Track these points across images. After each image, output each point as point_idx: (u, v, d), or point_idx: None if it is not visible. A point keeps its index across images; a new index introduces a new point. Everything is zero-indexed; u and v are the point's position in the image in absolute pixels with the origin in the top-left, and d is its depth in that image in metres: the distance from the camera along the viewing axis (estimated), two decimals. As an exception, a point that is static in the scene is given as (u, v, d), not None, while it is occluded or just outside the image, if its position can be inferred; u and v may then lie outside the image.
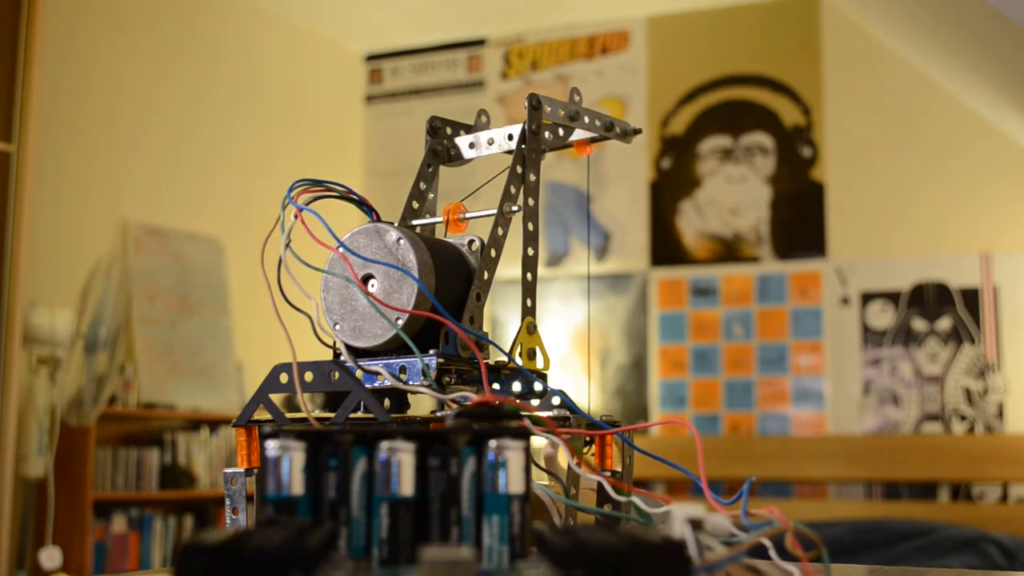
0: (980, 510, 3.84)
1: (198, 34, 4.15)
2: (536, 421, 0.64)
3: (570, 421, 0.81)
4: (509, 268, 0.89)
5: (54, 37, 3.42)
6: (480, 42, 4.82)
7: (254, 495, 0.75)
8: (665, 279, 4.40)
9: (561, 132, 0.90)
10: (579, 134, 0.92)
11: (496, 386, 0.84)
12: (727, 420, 4.24)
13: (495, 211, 0.83)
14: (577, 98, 0.90)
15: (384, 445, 0.53)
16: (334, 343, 0.81)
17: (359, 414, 0.74)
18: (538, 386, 0.83)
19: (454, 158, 0.94)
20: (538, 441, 0.67)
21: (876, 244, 4.13)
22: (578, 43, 4.68)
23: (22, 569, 3.20)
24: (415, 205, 0.91)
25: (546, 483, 0.76)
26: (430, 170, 0.93)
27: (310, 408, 0.75)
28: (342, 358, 0.79)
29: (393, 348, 0.78)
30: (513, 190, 0.84)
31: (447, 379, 0.79)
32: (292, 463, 0.52)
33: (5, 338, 2.92)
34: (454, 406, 0.71)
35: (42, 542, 3.24)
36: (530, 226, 0.84)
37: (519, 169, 0.85)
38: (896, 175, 4.13)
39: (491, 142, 0.92)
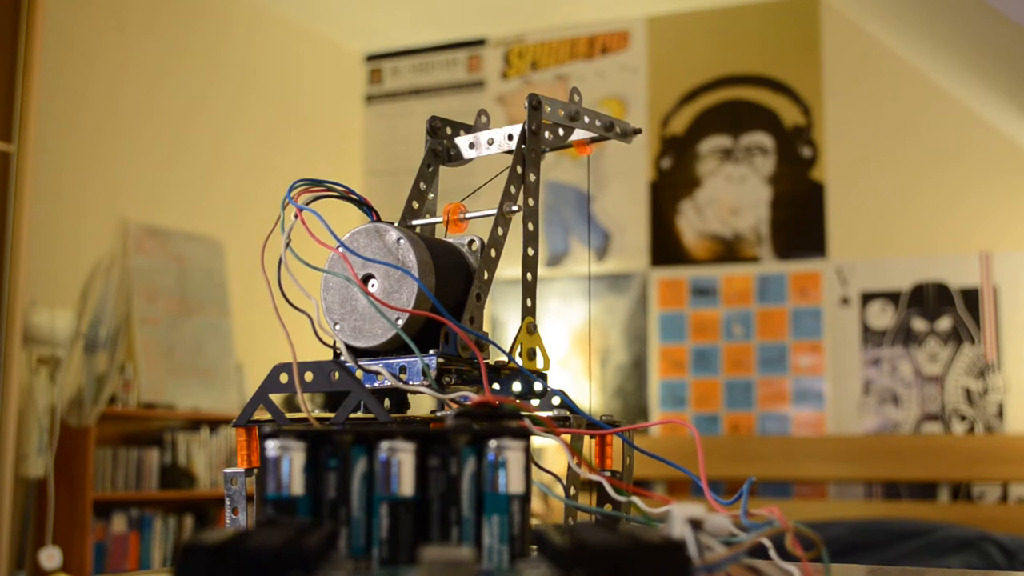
0: (980, 510, 3.84)
1: (198, 34, 4.15)
2: (536, 421, 0.64)
3: (570, 421, 0.81)
4: (509, 268, 0.89)
5: (54, 37, 3.42)
6: (480, 42, 4.82)
7: (254, 495, 0.75)
8: (665, 279, 4.40)
9: (561, 132, 0.90)
10: (579, 134, 0.92)
11: (496, 386, 0.84)
12: (727, 420, 4.24)
13: (495, 211, 0.83)
14: (577, 98, 0.90)
15: (384, 445, 0.53)
16: (334, 343, 0.81)
17: (359, 414, 0.74)
18: (538, 386, 0.83)
19: (454, 158, 0.94)
20: (539, 440, 0.67)
21: (876, 244, 4.13)
22: (578, 43, 4.68)
23: (22, 569, 3.20)
24: (415, 205, 0.91)
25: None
26: (430, 170, 0.93)
27: (310, 408, 0.75)
28: (342, 358, 0.79)
29: (393, 348, 0.78)
30: (513, 190, 0.84)
31: (447, 379, 0.79)
32: (292, 463, 0.52)
33: (5, 338, 2.92)
34: (454, 406, 0.71)
35: (42, 542, 3.24)
36: (530, 226, 0.84)
37: (519, 169, 0.85)
38: (896, 175, 4.13)
39: (491, 142, 0.92)
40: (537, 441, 0.67)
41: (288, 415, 0.76)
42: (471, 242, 0.85)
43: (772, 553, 0.64)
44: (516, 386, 0.84)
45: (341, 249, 0.80)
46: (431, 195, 0.92)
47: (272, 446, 0.52)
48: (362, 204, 0.84)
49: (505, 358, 0.81)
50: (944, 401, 3.97)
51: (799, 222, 4.25)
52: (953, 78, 3.98)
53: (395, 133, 4.92)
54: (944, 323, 3.99)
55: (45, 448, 3.22)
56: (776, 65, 4.35)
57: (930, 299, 4.02)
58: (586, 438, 0.82)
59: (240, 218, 4.11)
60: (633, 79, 4.57)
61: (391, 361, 0.78)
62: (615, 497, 0.71)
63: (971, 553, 3.23)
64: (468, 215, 0.88)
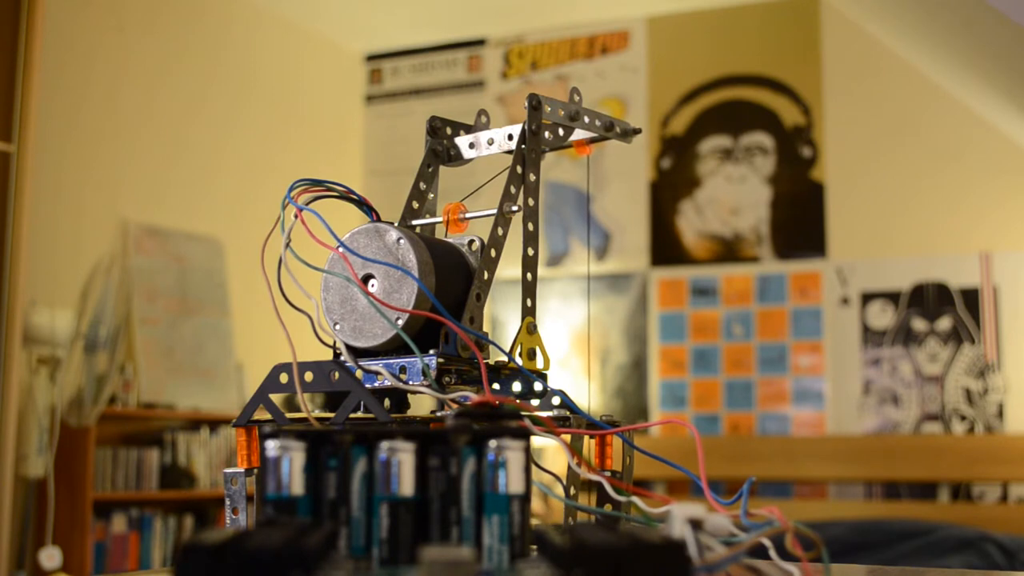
0: (980, 510, 3.84)
1: (198, 34, 4.15)
2: (536, 421, 0.64)
3: (570, 421, 0.81)
4: (509, 268, 0.89)
5: (54, 37, 3.42)
6: (480, 42, 4.82)
7: (254, 495, 0.75)
8: (665, 279, 4.40)
9: (561, 132, 0.90)
10: (579, 134, 0.92)
11: (496, 386, 0.84)
12: (727, 420, 4.24)
13: (495, 211, 0.83)
14: (577, 98, 0.90)
15: (384, 445, 0.53)
16: (334, 343, 0.81)
17: (359, 414, 0.74)
18: (538, 386, 0.83)
19: (454, 158, 0.94)
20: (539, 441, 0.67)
21: (876, 244, 4.13)
22: (578, 43, 4.68)
23: (22, 569, 3.20)
24: (415, 205, 0.91)
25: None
26: (430, 170, 0.93)
27: (310, 408, 0.75)
28: (342, 358, 0.79)
29: (393, 348, 0.78)
30: (513, 190, 0.84)
31: (447, 379, 0.79)
32: (292, 463, 0.52)
33: (5, 338, 2.92)
34: (454, 406, 0.71)
35: (42, 542, 3.24)
36: (530, 226, 0.84)
37: (519, 169, 0.85)
38: (896, 175, 4.13)
39: (491, 142, 0.92)
40: (537, 441, 0.67)
41: (288, 415, 0.76)
42: (471, 242, 0.85)
43: (772, 553, 0.64)
44: (516, 386, 0.84)
45: (341, 249, 0.80)
46: (431, 195, 0.92)
47: (272, 446, 0.52)
48: (362, 204, 0.84)
49: (505, 358, 0.81)
50: (944, 401, 3.97)
51: (799, 222, 4.25)
52: (953, 78, 3.98)
53: (395, 133, 4.92)
54: (944, 323, 3.99)
55: (45, 448, 3.22)
56: (776, 65, 4.35)
57: (930, 299, 4.02)
58: (586, 438, 0.82)
59: (240, 218, 4.11)
60: (633, 79, 4.57)
61: (391, 361, 0.78)
62: (615, 497, 0.71)
63: (971, 553, 3.23)
64: (468, 215, 0.88)
